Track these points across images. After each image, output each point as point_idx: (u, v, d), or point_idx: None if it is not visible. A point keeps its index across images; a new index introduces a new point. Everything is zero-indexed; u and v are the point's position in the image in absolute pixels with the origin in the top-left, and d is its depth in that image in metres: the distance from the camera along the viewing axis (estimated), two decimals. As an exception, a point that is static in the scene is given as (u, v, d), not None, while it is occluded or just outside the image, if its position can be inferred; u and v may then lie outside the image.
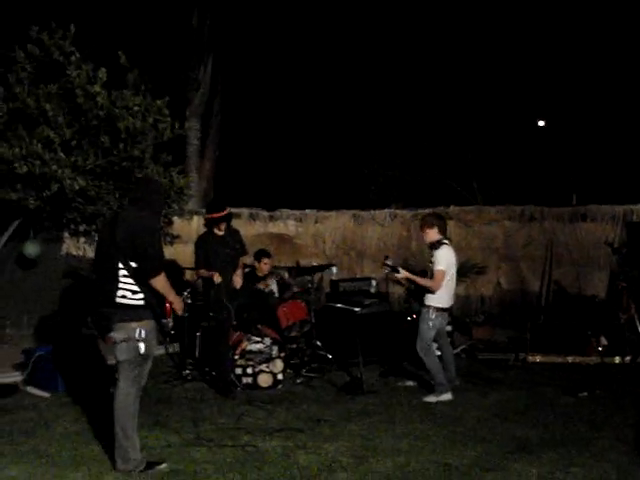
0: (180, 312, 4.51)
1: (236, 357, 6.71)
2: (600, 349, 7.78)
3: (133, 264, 4.28)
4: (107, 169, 8.19)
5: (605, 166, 17.34)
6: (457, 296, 7.80)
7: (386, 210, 11.32)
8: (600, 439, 5.03)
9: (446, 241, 6.50)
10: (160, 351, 7.80)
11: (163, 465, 4.42)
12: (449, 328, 7.36)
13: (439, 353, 6.63)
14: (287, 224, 11.10)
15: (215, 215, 6.66)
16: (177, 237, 10.13)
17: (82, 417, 5.58)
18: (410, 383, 6.90)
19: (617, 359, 7.71)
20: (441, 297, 6.36)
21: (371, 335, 7.61)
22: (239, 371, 6.69)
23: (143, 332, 4.28)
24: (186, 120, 10.40)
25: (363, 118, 16.95)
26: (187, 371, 7.15)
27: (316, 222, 11.09)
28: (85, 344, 6.89)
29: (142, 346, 4.28)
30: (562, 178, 18.08)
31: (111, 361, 5.88)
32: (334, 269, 8.42)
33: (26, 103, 7.46)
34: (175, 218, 10.05)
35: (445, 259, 6.36)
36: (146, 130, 7.97)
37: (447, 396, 6.24)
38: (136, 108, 7.79)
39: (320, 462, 4.56)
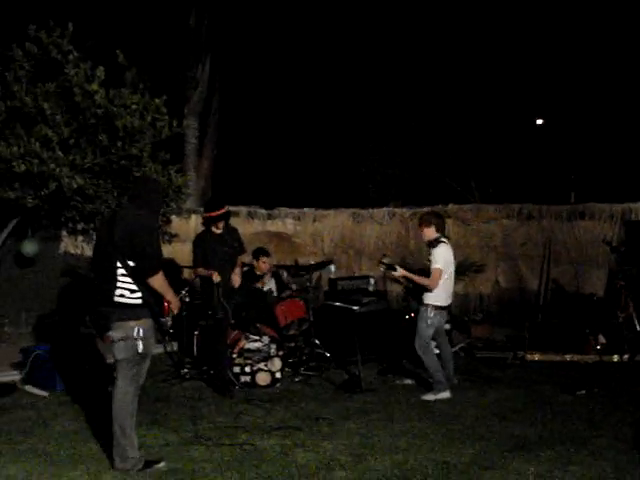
0: (176, 311, 4.52)
1: (234, 356, 6.70)
2: (598, 347, 7.78)
3: (131, 263, 4.29)
4: (105, 167, 8.18)
5: (603, 164, 17.31)
6: (455, 294, 7.81)
7: (384, 208, 11.31)
8: (598, 437, 5.05)
9: (444, 239, 6.49)
10: (158, 350, 7.78)
11: (161, 464, 4.43)
12: (447, 326, 7.37)
13: (437, 351, 6.62)
14: (285, 222, 11.08)
15: (213, 213, 6.64)
16: (175, 236, 10.12)
17: (80, 416, 5.59)
18: (408, 381, 6.91)
19: (615, 357, 7.70)
20: (439, 295, 6.36)
21: (369, 333, 7.62)
22: (237, 369, 6.68)
23: (141, 331, 4.29)
24: (184, 118, 10.41)
25: (361, 116, 16.92)
26: (185, 370, 7.16)
27: (314, 220, 11.07)
28: (83, 343, 6.91)
29: (140, 345, 4.29)
30: (560, 176, 18.05)
31: (109, 360, 5.90)
32: (332, 267, 8.44)
33: (24, 101, 7.44)
34: (173, 217, 10.03)
35: (443, 257, 6.36)
36: (144, 128, 7.95)
37: (445, 394, 6.24)
38: (134, 106, 7.77)
39: (318, 460, 4.57)
